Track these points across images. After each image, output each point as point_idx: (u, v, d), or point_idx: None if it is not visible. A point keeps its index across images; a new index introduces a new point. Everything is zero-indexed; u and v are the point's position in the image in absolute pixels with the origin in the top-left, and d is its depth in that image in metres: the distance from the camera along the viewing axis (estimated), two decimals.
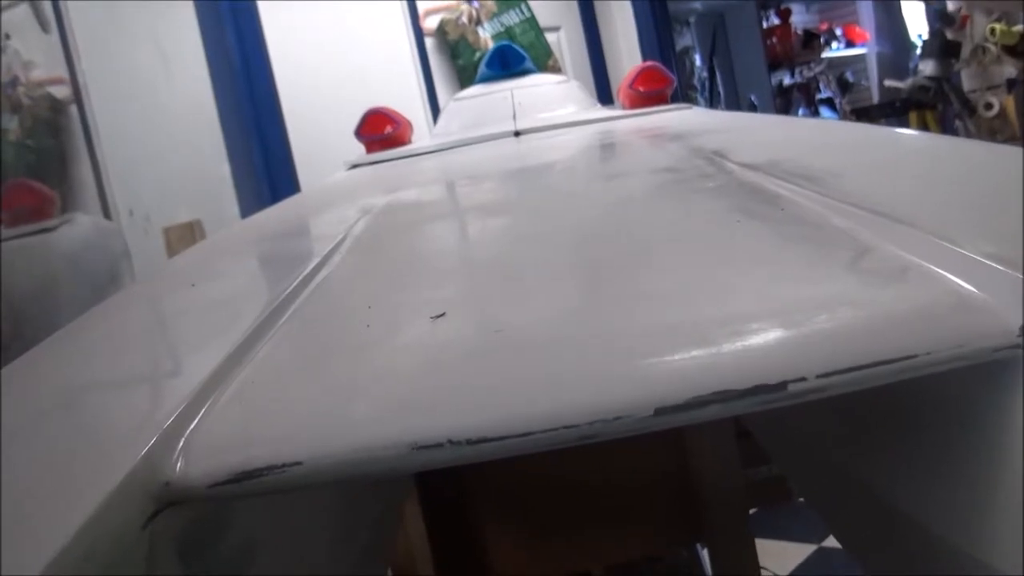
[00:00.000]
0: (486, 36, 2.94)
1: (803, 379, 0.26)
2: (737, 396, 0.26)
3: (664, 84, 1.25)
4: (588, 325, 0.31)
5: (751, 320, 0.28)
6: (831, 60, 4.40)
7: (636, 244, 0.41)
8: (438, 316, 0.34)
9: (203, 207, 2.04)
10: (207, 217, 1.97)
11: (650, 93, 1.23)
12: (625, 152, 0.87)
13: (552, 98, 1.36)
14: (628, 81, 1.26)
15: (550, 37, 3.13)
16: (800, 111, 4.33)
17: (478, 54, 2.86)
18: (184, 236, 1.85)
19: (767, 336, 0.27)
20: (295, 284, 0.43)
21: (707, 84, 4.05)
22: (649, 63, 1.31)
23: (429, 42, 2.83)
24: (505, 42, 1.92)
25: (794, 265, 0.33)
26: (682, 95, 3.72)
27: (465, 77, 2.83)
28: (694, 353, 0.27)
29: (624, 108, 1.27)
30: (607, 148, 0.92)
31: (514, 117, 1.26)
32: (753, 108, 3.91)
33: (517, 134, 1.12)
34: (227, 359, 0.33)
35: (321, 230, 0.66)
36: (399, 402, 0.28)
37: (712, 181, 0.52)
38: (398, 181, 0.90)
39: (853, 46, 4.44)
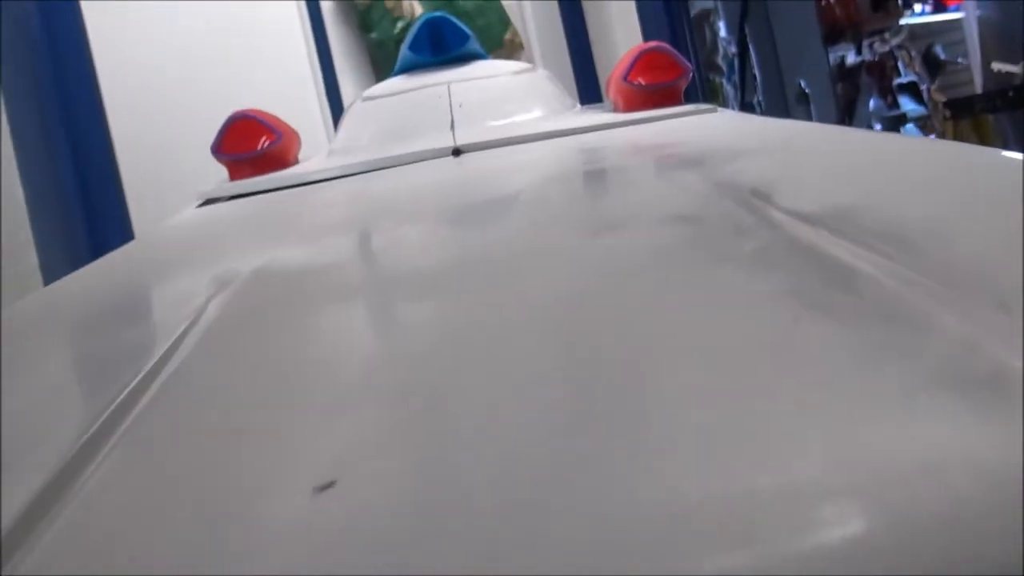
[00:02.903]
0: (412, 0, 2.99)
1: None
2: None
3: (675, 75, 1.28)
4: (559, 500, 0.30)
5: (820, 495, 0.28)
6: (913, 29, 4.54)
7: (632, 355, 0.41)
8: (324, 486, 0.32)
9: None
10: None
11: (655, 88, 1.26)
12: (618, 186, 0.87)
13: (509, 96, 1.39)
14: (623, 70, 1.29)
15: (509, 2, 3.20)
16: (871, 101, 4.45)
17: (400, 24, 2.90)
18: None
19: (846, 526, 0.27)
20: (100, 422, 0.41)
21: (736, 64, 4.16)
22: (653, 44, 1.34)
23: (327, 7, 2.86)
24: (439, 13, 1.92)
25: (886, 398, 0.33)
26: (700, 81, 3.81)
27: (382, 59, 2.87)
28: (730, 553, 0.26)
29: (617, 110, 1.29)
30: (592, 178, 0.92)
31: (452, 126, 1.28)
32: (804, 98, 4.01)
33: (456, 153, 1.13)
34: None
35: (151, 316, 0.65)
36: None
37: (751, 240, 0.53)
38: (276, 227, 0.91)
39: (944, 10, 4.59)
